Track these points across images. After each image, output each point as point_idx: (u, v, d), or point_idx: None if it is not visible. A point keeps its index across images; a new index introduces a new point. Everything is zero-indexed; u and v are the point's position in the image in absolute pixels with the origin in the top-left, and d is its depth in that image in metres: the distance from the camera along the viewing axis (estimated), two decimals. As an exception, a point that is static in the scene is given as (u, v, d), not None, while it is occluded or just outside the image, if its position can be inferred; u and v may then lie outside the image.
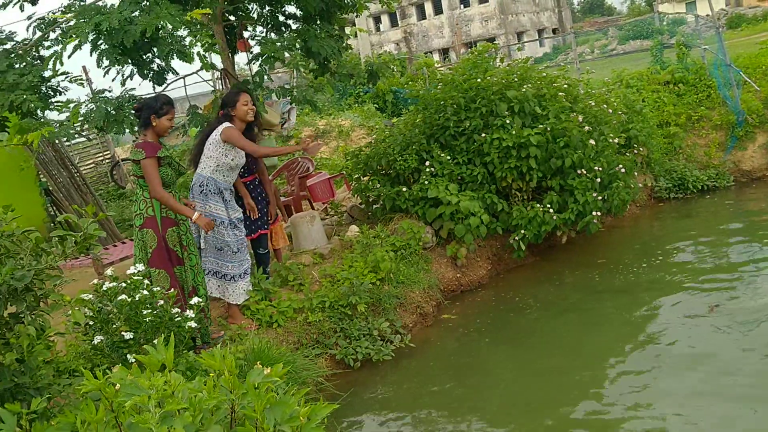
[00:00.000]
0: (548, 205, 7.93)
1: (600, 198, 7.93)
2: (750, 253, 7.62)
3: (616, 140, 8.57)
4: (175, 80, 7.24)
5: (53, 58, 6.16)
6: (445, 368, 6.15)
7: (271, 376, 2.59)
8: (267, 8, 7.95)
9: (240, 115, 5.77)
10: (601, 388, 5.34)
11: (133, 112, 6.14)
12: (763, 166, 10.97)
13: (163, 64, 6.91)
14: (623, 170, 8.29)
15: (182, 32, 6.28)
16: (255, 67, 7.48)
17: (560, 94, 8.43)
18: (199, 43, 7.98)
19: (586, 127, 8.10)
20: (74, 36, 5.88)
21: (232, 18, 7.79)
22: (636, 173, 9.19)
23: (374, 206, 8.49)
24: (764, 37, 20.31)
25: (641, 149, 9.94)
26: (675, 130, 11.33)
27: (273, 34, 7.85)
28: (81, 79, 7.30)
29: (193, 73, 7.90)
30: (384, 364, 6.20)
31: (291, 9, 8.05)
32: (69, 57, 6.16)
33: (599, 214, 7.94)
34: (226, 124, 5.74)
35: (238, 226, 5.87)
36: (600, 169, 8.00)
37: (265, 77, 7.33)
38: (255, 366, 2.64)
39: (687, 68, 12.31)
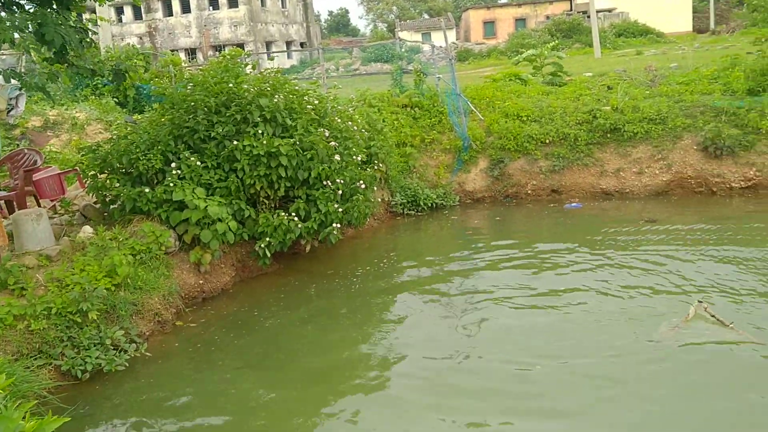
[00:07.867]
0: (293, 214, 8.08)
1: (341, 210, 8.25)
2: (466, 264, 8.53)
3: (360, 157, 8.99)
4: None
5: None
6: (181, 378, 5.98)
7: (-7, 389, 2.34)
8: (-3, -18, 7.13)
9: None
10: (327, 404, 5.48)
11: None
12: (483, 188, 12.20)
13: None
14: (363, 185, 8.71)
15: None
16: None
17: (309, 107, 8.63)
18: None
19: (332, 142, 8.40)
20: None
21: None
22: (375, 188, 9.69)
23: (112, 206, 7.99)
24: (488, 71, 22.77)
25: (381, 166, 10.53)
26: (410, 151, 12.20)
27: (3, 13, 7.05)
28: None
29: None
30: (117, 375, 5.88)
31: (25, -12, 7.30)
32: None
33: (339, 225, 8.25)
34: None
35: None
36: (342, 181, 8.33)
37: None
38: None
39: (423, 94, 13.34)
